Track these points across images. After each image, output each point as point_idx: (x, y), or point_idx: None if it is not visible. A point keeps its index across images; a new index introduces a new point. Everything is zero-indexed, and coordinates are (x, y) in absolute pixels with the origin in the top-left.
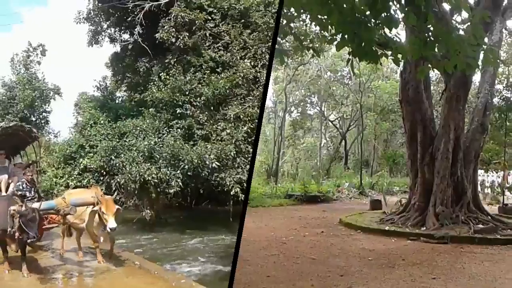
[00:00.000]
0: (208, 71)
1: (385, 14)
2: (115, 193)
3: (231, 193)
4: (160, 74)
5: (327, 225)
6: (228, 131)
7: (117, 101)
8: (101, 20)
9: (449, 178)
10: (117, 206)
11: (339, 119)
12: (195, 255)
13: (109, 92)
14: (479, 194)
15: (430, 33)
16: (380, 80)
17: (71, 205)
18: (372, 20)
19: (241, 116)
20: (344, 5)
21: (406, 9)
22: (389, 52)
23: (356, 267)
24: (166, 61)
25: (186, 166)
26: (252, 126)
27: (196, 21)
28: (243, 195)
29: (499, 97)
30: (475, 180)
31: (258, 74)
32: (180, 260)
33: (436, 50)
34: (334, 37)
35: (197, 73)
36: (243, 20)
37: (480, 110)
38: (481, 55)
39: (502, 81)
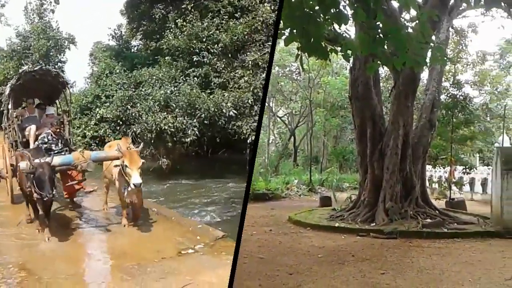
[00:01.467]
0: (227, 17)
1: (334, 9)
2: (141, 145)
3: (248, 141)
4: (177, 21)
5: (275, 223)
6: (246, 78)
7: (132, 50)
8: None
9: (398, 174)
10: (142, 160)
11: (287, 115)
12: (212, 202)
13: (125, 40)
14: (427, 189)
15: (379, 30)
16: (329, 76)
17: (91, 160)
18: (321, 15)
19: (260, 63)
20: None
21: (355, 5)
22: (339, 48)
23: (306, 265)
24: (183, 6)
25: (203, 115)
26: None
27: None
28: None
29: (446, 94)
30: (424, 176)
31: None
32: (197, 207)
33: (385, 47)
34: (282, 31)
35: (214, 19)
36: None
37: (428, 106)
38: (429, 53)
39: (449, 78)
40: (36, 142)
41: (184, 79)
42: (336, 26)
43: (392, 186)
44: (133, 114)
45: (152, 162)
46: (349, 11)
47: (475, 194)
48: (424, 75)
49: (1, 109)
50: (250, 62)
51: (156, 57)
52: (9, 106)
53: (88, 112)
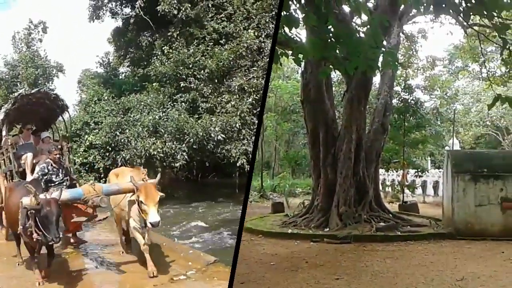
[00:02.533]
0: (212, 43)
1: (285, 13)
2: (158, 176)
3: (237, 164)
4: (163, 48)
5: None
6: (233, 103)
7: (120, 77)
8: None
9: (351, 178)
10: (160, 193)
11: None
12: (202, 226)
13: (112, 67)
14: (380, 192)
15: (330, 34)
16: (280, 80)
17: (104, 193)
18: None
19: (246, 88)
20: None
21: (306, 9)
22: (290, 52)
23: (258, 273)
24: (169, 34)
25: (191, 140)
26: (257, 98)
27: None
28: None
29: (398, 98)
30: (377, 179)
31: (262, 44)
32: (188, 231)
33: (337, 51)
34: None
35: (200, 46)
36: None
37: (380, 111)
38: (381, 58)
39: (400, 83)
40: (35, 174)
41: (172, 104)
42: (286, 29)
43: (345, 191)
44: (122, 140)
45: None
46: (299, 15)
47: (427, 197)
48: (376, 79)
49: None
50: (236, 87)
51: (143, 84)
52: (3, 133)
53: (77, 139)
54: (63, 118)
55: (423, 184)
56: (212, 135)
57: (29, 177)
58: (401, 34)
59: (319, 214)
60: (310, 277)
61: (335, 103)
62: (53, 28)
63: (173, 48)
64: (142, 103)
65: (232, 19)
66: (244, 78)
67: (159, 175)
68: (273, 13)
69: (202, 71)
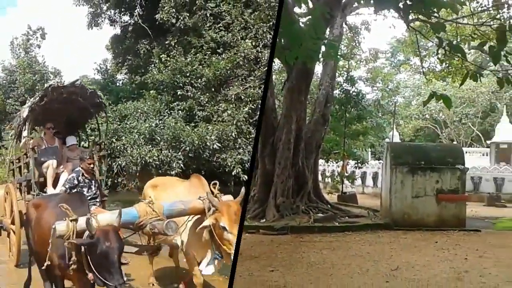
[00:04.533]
0: (209, 52)
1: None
2: (241, 192)
3: (233, 173)
4: (161, 56)
5: None
6: (229, 112)
7: (117, 84)
8: (101, 2)
9: (290, 169)
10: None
11: None
12: None
13: (110, 75)
14: (320, 183)
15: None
16: None
17: (165, 215)
18: None
19: (242, 97)
20: None
21: None
22: None
23: None
24: (167, 42)
25: (187, 148)
26: (253, 107)
27: (197, 1)
28: (245, 175)
29: (339, 89)
30: (316, 170)
31: (260, 54)
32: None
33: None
34: None
35: (198, 54)
36: (244, 0)
37: (322, 101)
38: (323, 48)
39: (342, 74)
40: (62, 187)
41: (168, 112)
42: None
43: (283, 181)
44: (118, 147)
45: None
46: None
47: (366, 188)
48: (318, 69)
49: (11, 136)
50: (233, 96)
51: (141, 91)
52: (24, 133)
53: None
54: (96, 120)
55: (362, 175)
56: (208, 143)
57: (50, 190)
58: (344, 25)
59: (256, 204)
60: (244, 270)
61: (276, 92)
62: (51, 34)
63: (171, 56)
64: (139, 111)
65: (230, 29)
66: (241, 87)
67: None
68: (271, 23)
69: (199, 79)
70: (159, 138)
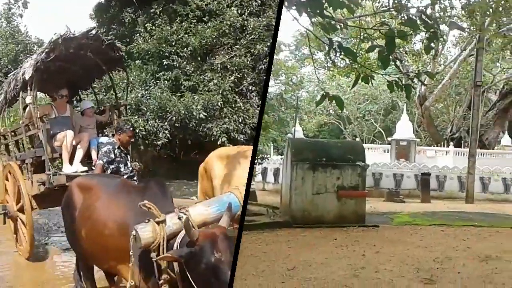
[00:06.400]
0: (195, 21)
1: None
2: None
3: (218, 142)
4: (146, 25)
5: None
6: (215, 81)
7: None
8: None
9: None
10: None
11: None
12: (186, 204)
13: None
14: None
15: None
16: None
17: None
18: None
19: (228, 66)
20: None
21: None
22: None
23: None
24: (152, 11)
25: (174, 118)
26: (239, 76)
27: None
28: (230, 144)
29: None
30: None
31: (245, 22)
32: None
33: None
34: None
35: (183, 23)
36: None
37: None
38: None
39: None
40: (100, 161)
41: (154, 82)
42: None
43: None
44: None
45: None
46: None
47: (267, 184)
48: None
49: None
50: (218, 65)
51: (126, 61)
52: (28, 100)
53: None
54: (110, 77)
55: (263, 171)
56: (194, 113)
57: (66, 167)
58: None
59: None
60: None
61: None
62: (33, 3)
63: (156, 25)
64: (125, 81)
65: None
66: (227, 56)
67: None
68: None
69: (185, 48)
70: (145, 108)
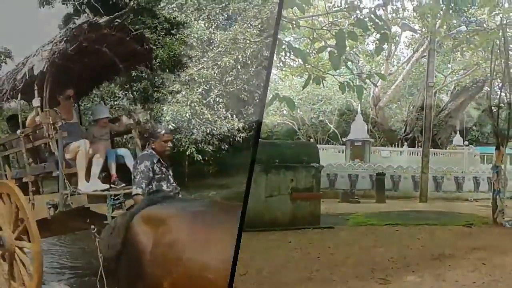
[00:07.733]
0: (163, 33)
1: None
2: None
3: (187, 153)
4: None
5: None
6: (184, 93)
7: None
8: None
9: None
10: None
11: None
12: None
13: None
14: None
15: None
16: None
17: None
18: None
19: (196, 78)
20: None
21: None
22: None
23: None
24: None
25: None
26: (206, 88)
27: None
28: (199, 155)
29: None
30: None
31: (212, 35)
32: None
33: None
34: None
35: (152, 35)
36: None
37: None
38: None
39: None
40: (139, 179)
41: (123, 93)
42: None
43: None
44: None
45: None
46: None
47: None
48: None
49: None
50: (187, 77)
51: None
52: (35, 103)
53: None
54: (131, 77)
55: None
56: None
57: (83, 185)
58: None
59: None
60: None
61: None
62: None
63: None
64: (94, 92)
65: (183, 10)
66: (194, 69)
67: None
68: (223, 4)
69: (154, 60)
70: None
